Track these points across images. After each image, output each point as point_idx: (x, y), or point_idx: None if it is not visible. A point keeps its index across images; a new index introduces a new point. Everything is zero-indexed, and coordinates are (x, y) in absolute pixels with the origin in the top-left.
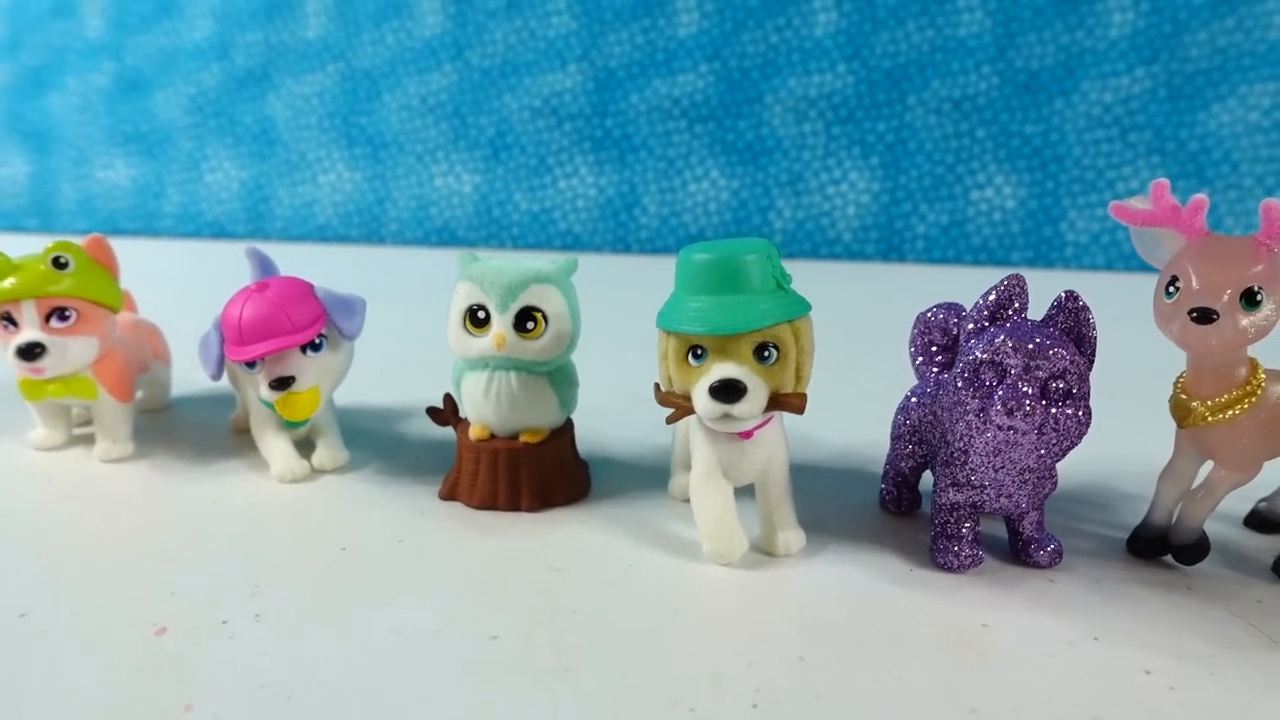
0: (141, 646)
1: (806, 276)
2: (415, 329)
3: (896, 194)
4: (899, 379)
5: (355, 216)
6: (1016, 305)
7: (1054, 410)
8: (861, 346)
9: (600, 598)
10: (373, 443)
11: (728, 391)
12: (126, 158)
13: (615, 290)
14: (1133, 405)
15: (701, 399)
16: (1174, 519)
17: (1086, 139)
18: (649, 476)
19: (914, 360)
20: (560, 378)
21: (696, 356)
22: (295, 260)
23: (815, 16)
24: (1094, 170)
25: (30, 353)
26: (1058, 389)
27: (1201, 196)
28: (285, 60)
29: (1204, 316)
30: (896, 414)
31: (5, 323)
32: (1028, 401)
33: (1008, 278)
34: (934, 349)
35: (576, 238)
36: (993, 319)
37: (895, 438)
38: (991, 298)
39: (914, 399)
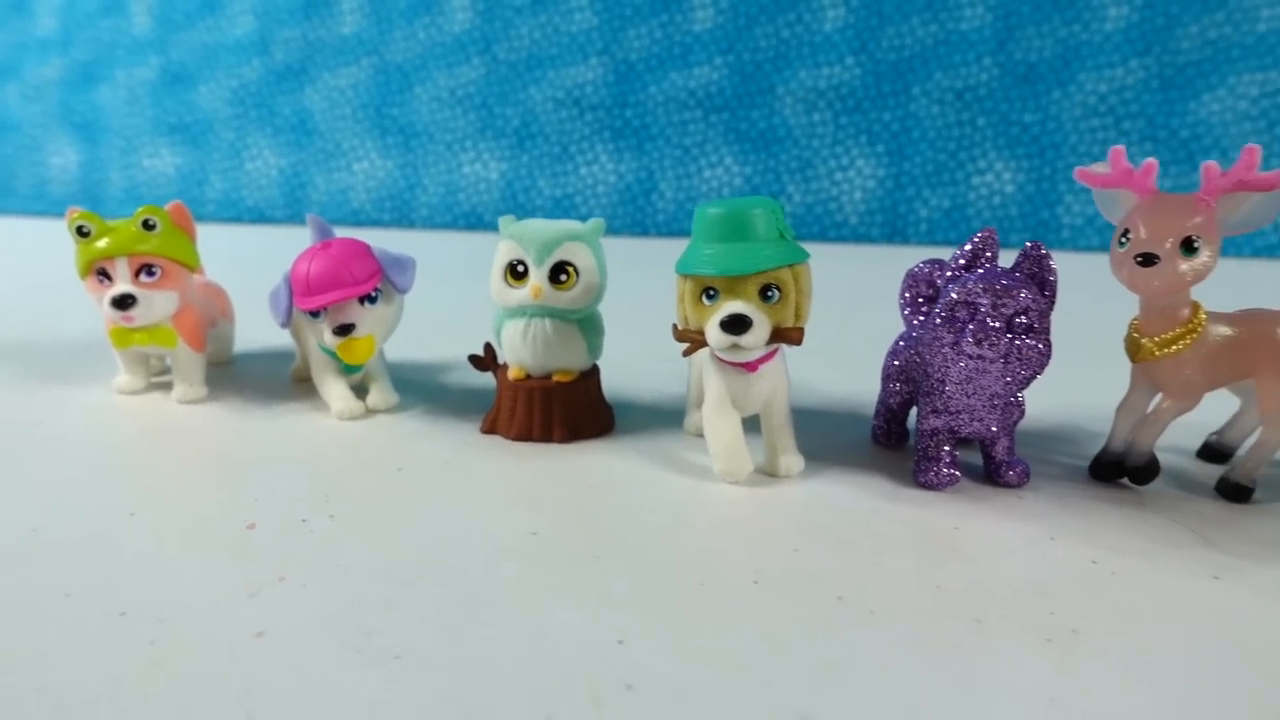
0: (237, 537)
1: (816, 257)
2: (447, 303)
3: (901, 180)
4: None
5: (388, 202)
6: (989, 255)
7: (1017, 341)
8: (864, 320)
9: (624, 507)
10: (419, 390)
11: (736, 324)
12: (172, 147)
13: (635, 269)
14: (1118, 366)
15: (714, 332)
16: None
17: (1082, 127)
18: (667, 418)
19: (902, 310)
20: (589, 325)
21: (709, 297)
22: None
23: (824, 12)
24: (1090, 157)
25: (123, 303)
26: (1021, 323)
27: (1151, 160)
28: (322, 55)
29: (1148, 260)
30: (886, 357)
31: (101, 277)
32: (994, 334)
33: (981, 232)
34: (920, 300)
35: None
36: (967, 267)
37: (885, 378)
38: (967, 248)
39: (901, 343)
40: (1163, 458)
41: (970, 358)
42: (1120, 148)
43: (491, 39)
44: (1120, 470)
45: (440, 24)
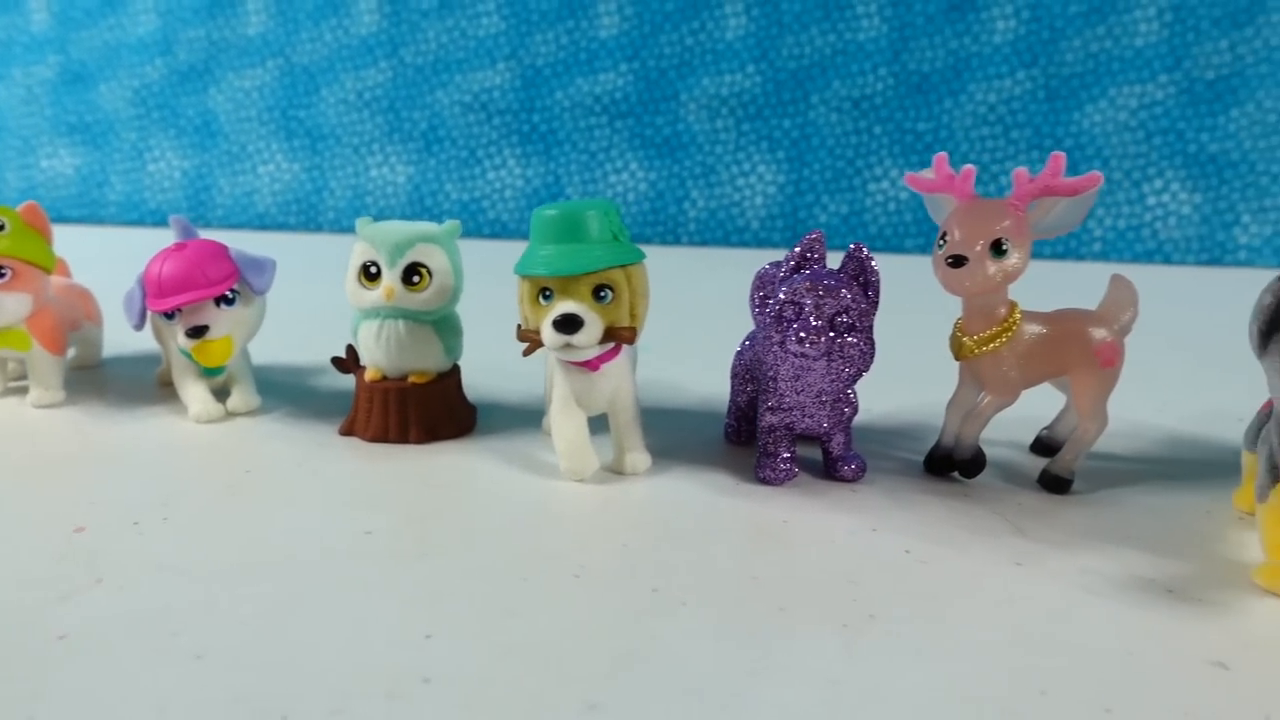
0: (61, 540)
1: (717, 262)
2: (342, 304)
3: (800, 186)
4: None
5: (294, 205)
6: (815, 256)
7: (839, 340)
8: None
9: (465, 506)
10: (286, 392)
11: (568, 324)
12: (71, 148)
13: None
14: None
15: (547, 331)
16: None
17: (973, 135)
18: (528, 418)
19: (752, 310)
20: (445, 326)
21: (545, 297)
22: (236, 246)
23: (726, 20)
24: (979, 165)
25: None
26: (843, 322)
27: (969, 167)
28: (227, 55)
29: (958, 262)
30: (734, 357)
31: None
32: (815, 332)
33: (808, 236)
34: (765, 298)
35: (504, 225)
36: (796, 269)
37: (733, 376)
38: (796, 251)
39: (747, 343)
40: (997, 452)
41: (795, 355)
42: (943, 155)
43: (399, 42)
44: (951, 464)
45: (347, 26)
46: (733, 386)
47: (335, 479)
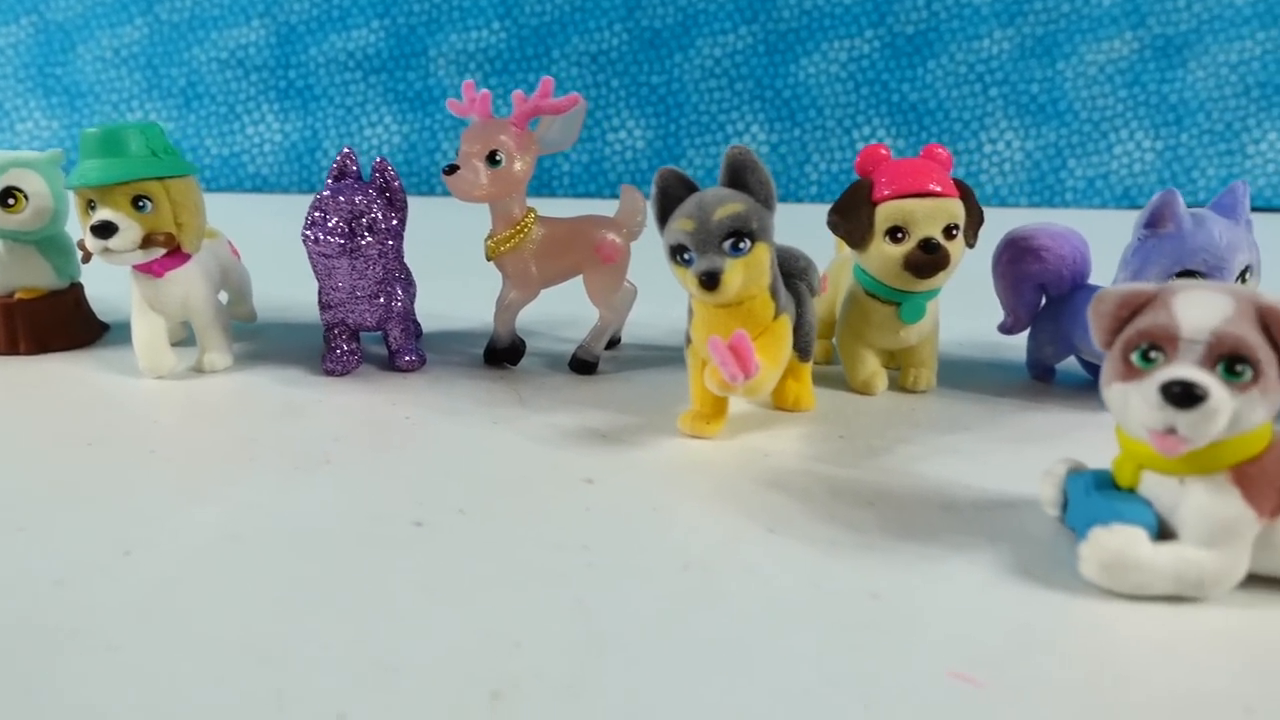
0: None
1: (460, 210)
2: None
3: None
4: None
5: None
6: (353, 169)
7: (359, 240)
8: None
9: (45, 400)
10: None
11: (103, 229)
12: None
13: (298, 223)
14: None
15: (89, 236)
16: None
17: (702, 88)
18: None
19: None
20: (50, 246)
21: (92, 208)
22: None
23: None
24: (708, 115)
25: None
26: (361, 225)
27: (486, 91)
28: None
29: (450, 169)
30: None
31: None
32: (330, 233)
33: (341, 152)
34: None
35: (265, 179)
36: (336, 180)
37: None
38: (334, 168)
39: None
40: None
41: (317, 254)
42: (470, 81)
43: None
44: (497, 355)
45: None
46: None
47: None
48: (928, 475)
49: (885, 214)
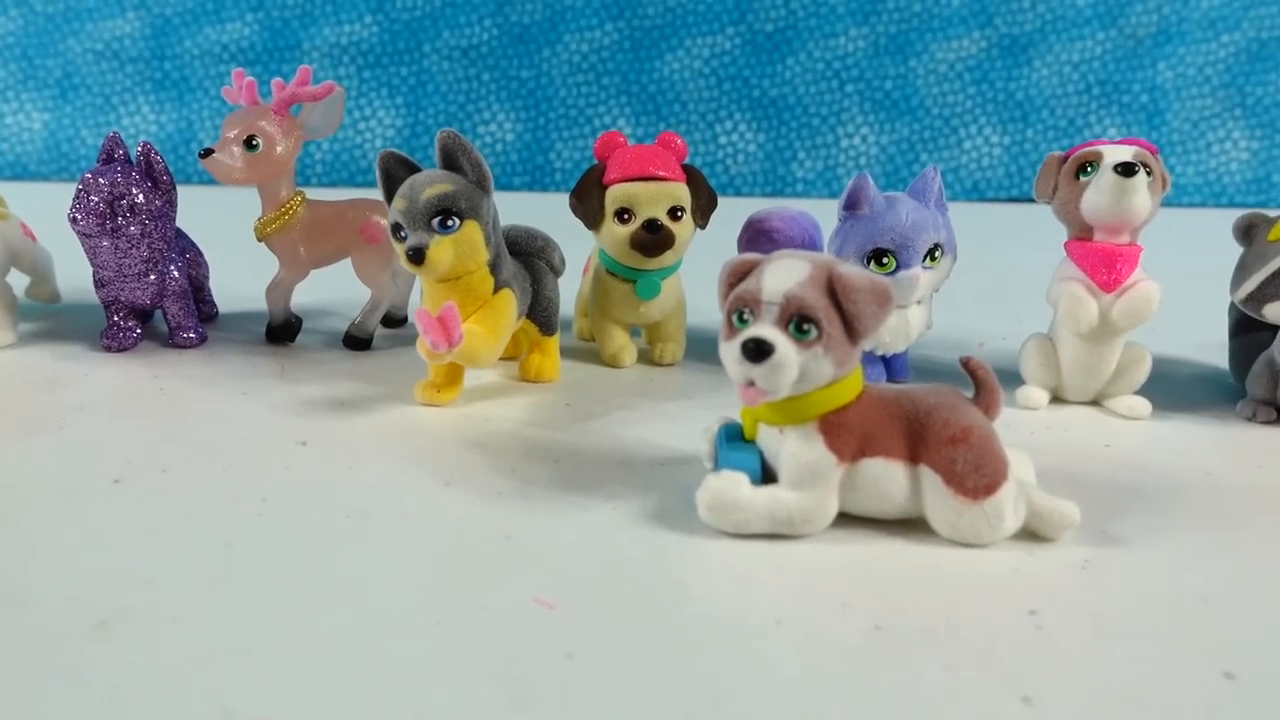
0: None
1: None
2: None
3: (416, 129)
4: None
5: None
6: (120, 154)
7: (120, 223)
8: None
9: None
10: None
11: None
12: None
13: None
14: None
15: None
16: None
17: (570, 82)
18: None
19: None
20: None
21: None
22: None
23: None
24: (576, 109)
25: None
26: (123, 206)
27: (251, 80)
28: None
29: (206, 153)
30: None
31: None
32: (87, 213)
33: (109, 136)
34: None
35: None
36: (105, 162)
37: None
38: (102, 152)
39: None
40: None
41: (84, 236)
42: (240, 70)
43: None
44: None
45: None
46: None
47: None
48: (625, 437)
49: (613, 196)
